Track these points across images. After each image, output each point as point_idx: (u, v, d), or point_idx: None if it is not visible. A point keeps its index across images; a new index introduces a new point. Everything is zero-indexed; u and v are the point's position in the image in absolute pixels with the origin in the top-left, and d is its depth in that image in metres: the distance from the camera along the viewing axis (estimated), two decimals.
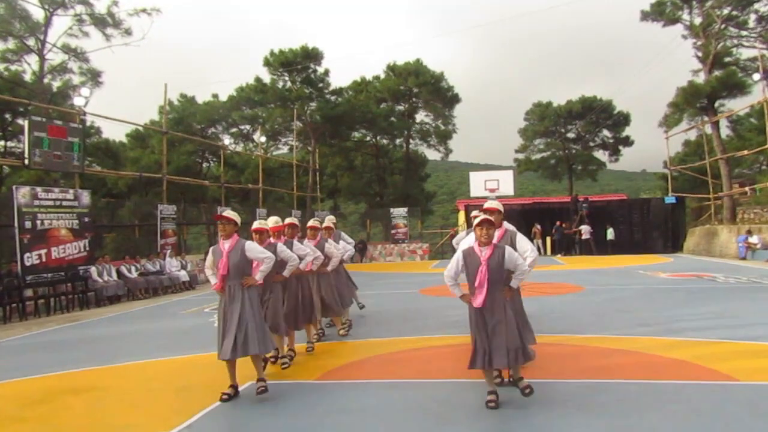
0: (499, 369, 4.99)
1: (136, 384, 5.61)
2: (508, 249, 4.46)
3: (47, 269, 12.23)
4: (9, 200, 11.98)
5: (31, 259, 11.89)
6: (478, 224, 4.37)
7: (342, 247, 8.08)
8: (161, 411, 4.65)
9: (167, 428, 4.16)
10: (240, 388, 5.06)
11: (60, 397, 5.22)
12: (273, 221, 6.14)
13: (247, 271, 5.06)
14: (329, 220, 8.27)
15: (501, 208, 5.05)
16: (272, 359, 5.90)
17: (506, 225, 5.10)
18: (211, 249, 5.20)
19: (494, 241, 4.54)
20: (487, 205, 5.08)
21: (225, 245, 4.99)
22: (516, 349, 4.28)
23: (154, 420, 4.40)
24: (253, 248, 5.11)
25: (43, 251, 12.19)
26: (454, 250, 8.14)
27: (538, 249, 24.81)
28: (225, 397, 4.82)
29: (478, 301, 4.34)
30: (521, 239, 4.94)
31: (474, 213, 7.59)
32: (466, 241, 5.15)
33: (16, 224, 11.70)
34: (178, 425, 4.21)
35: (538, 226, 25.11)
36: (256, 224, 5.62)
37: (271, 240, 5.85)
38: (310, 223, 7.29)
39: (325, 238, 7.51)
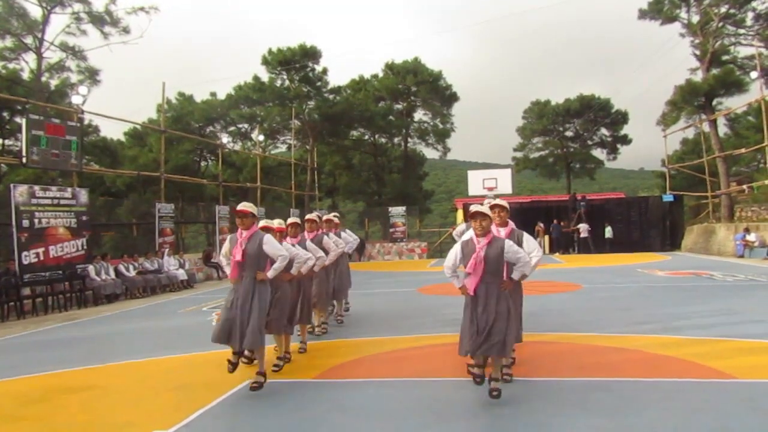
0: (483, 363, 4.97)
1: (134, 382, 5.61)
2: (508, 242, 4.48)
3: (45, 268, 12.20)
4: (6, 198, 11.95)
5: (29, 257, 11.85)
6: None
7: (344, 240, 8.13)
8: (159, 409, 4.65)
9: (165, 427, 4.15)
10: (238, 388, 5.06)
11: (58, 395, 5.21)
12: (278, 223, 6.13)
13: (262, 264, 5.05)
14: (332, 215, 8.35)
15: (506, 205, 5.10)
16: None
17: (512, 225, 5.10)
18: (228, 237, 5.24)
19: (495, 234, 4.56)
20: (494, 201, 5.14)
21: (243, 234, 5.02)
22: (498, 342, 4.24)
23: (152, 418, 4.39)
24: (271, 243, 5.08)
25: (40, 250, 12.16)
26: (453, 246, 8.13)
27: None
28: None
29: (471, 286, 4.38)
30: (528, 239, 4.98)
31: (473, 207, 7.63)
32: (467, 234, 5.16)
33: (13, 222, 11.66)
34: (176, 424, 4.21)
35: (541, 225, 25.11)
36: (262, 222, 5.60)
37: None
38: (308, 216, 7.28)
39: (325, 232, 7.53)
